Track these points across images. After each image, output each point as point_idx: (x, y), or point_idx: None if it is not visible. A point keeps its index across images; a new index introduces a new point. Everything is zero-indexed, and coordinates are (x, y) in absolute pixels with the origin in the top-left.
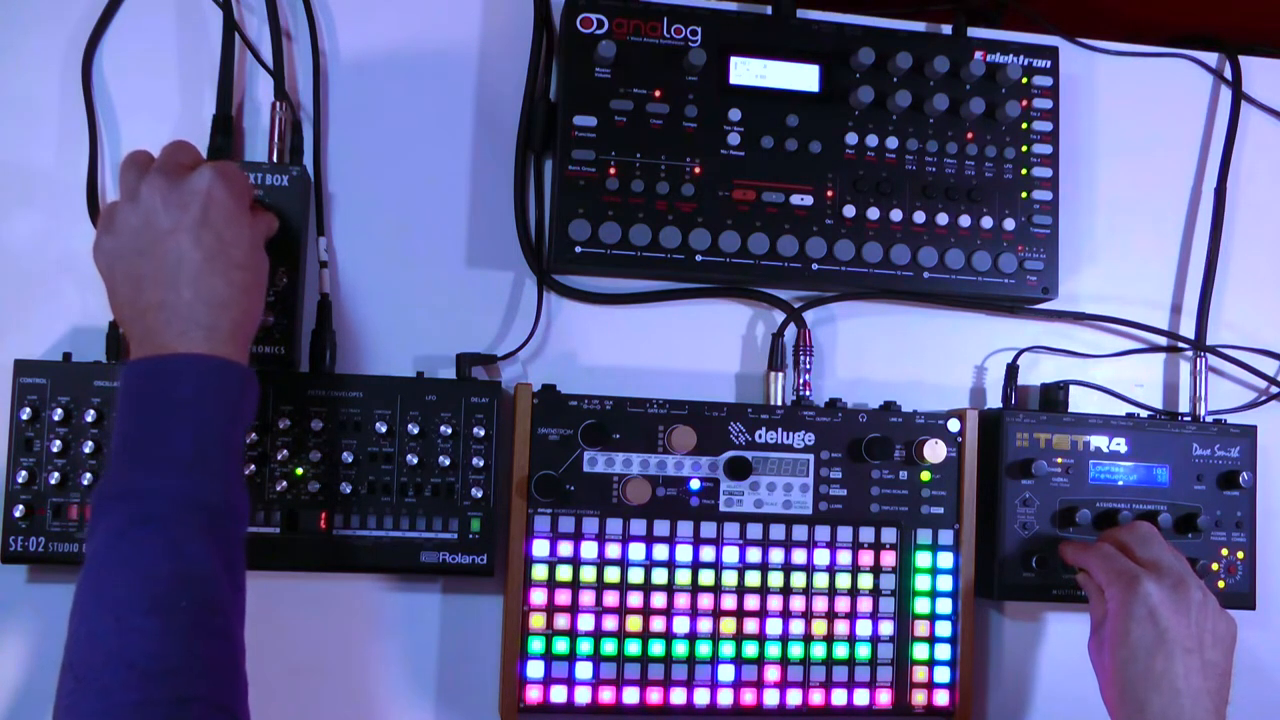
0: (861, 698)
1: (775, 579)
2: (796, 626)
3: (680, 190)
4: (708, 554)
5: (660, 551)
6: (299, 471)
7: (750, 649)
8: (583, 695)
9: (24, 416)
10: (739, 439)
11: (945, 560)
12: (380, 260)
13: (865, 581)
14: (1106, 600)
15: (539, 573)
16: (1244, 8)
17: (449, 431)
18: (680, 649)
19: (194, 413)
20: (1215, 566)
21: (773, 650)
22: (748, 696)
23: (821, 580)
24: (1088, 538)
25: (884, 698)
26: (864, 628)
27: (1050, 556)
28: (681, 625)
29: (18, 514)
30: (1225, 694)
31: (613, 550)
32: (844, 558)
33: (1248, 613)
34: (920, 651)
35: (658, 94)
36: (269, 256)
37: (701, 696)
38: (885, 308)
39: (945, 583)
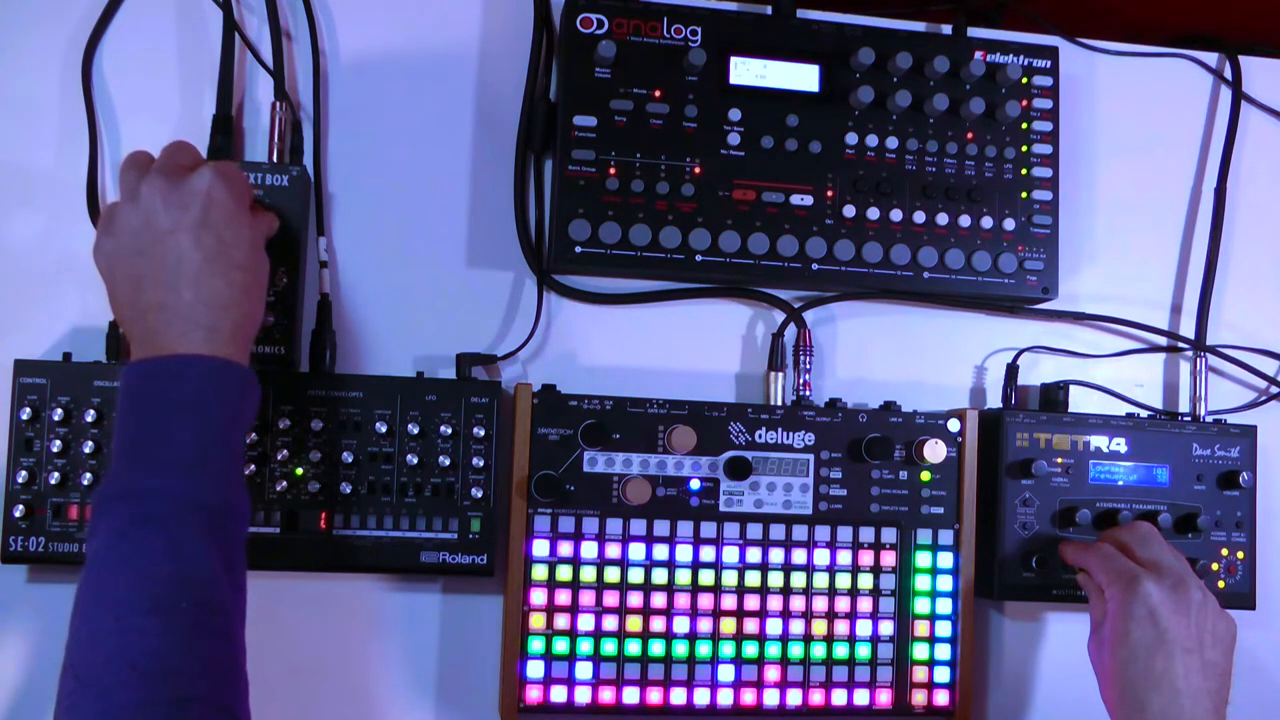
0: (861, 698)
1: (775, 579)
2: (796, 626)
3: (680, 190)
4: (708, 554)
5: (660, 551)
6: (299, 471)
7: (750, 649)
8: (583, 695)
9: (24, 416)
10: (739, 439)
11: (945, 560)
12: (380, 260)
13: (865, 581)
14: (1106, 600)
15: (539, 573)
16: (1244, 8)
17: (449, 431)
18: (680, 649)
19: (195, 413)
20: (1215, 566)
21: (773, 650)
22: (748, 696)
23: (821, 580)
24: (1088, 538)
25: (884, 698)
26: (864, 628)
27: (1050, 556)
28: (681, 625)
29: (18, 514)
30: (1225, 694)
31: (613, 550)
32: (844, 558)
33: (1248, 613)
34: (920, 651)
35: (658, 94)
36: (269, 257)
37: (701, 696)
38: (885, 308)
39: (945, 583)
